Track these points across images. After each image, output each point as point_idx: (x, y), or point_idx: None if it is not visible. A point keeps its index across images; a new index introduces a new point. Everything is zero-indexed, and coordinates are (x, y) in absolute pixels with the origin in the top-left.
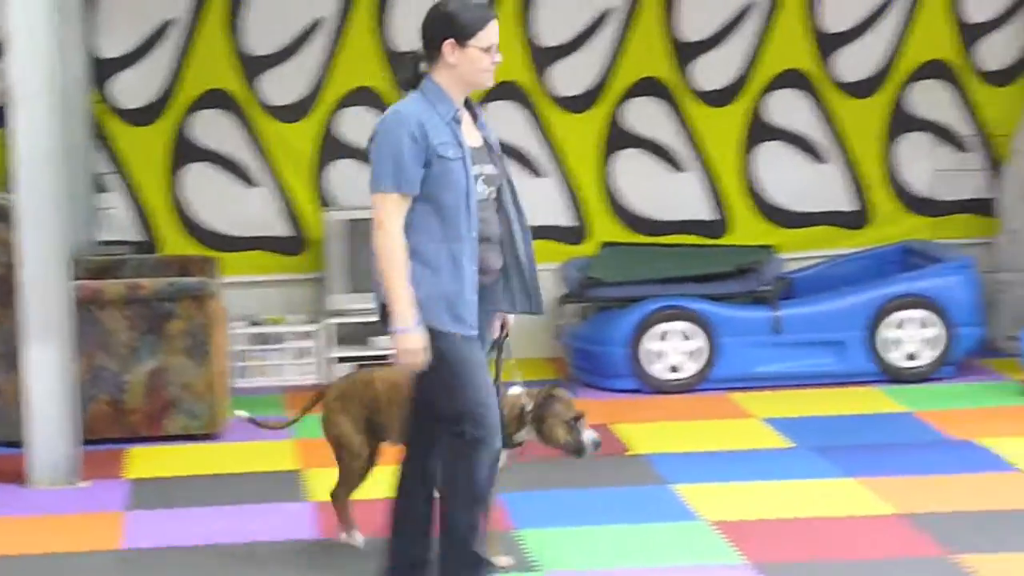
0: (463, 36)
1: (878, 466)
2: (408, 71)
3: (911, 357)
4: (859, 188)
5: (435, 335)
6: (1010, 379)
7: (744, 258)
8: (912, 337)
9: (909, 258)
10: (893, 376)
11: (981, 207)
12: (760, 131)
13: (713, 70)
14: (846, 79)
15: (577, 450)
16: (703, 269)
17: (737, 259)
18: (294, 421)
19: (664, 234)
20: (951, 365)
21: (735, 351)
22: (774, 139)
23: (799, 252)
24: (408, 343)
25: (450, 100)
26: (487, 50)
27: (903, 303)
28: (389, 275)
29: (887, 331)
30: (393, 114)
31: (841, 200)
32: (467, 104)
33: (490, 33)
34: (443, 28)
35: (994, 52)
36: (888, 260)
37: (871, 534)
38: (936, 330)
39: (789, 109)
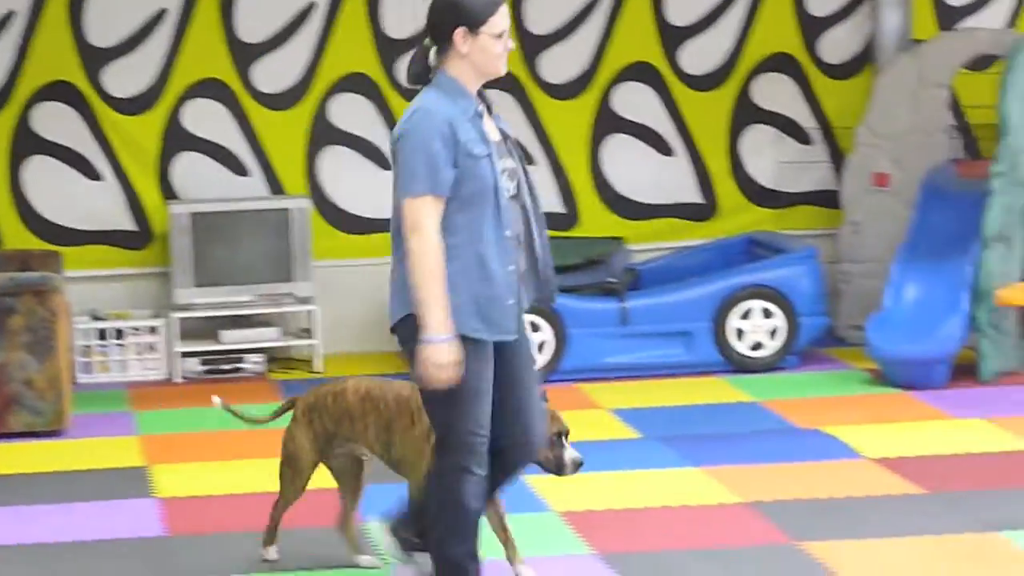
0: (475, 23)
1: (725, 455)
2: (419, 64)
3: (757, 347)
4: (705, 180)
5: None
6: (854, 368)
7: (592, 250)
8: (758, 327)
9: (754, 249)
10: (739, 366)
11: (825, 199)
12: (608, 123)
13: (561, 62)
14: (692, 72)
15: (557, 468)
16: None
17: (586, 251)
18: (269, 420)
19: None
20: (796, 354)
21: (583, 342)
22: (622, 131)
23: (647, 244)
24: (439, 355)
25: (468, 94)
26: (499, 36)
27: (749, 294)
28: (426, 281)
29: (733, 321)
30: (420, 113)
31: (688, 192)
32: (480, 96)
33: (502, 18)
34: (453, 16)
35: (836, 46)
36: (734, 251)
37: (718, 523)
38: (781, 320)
39: (636, 102)
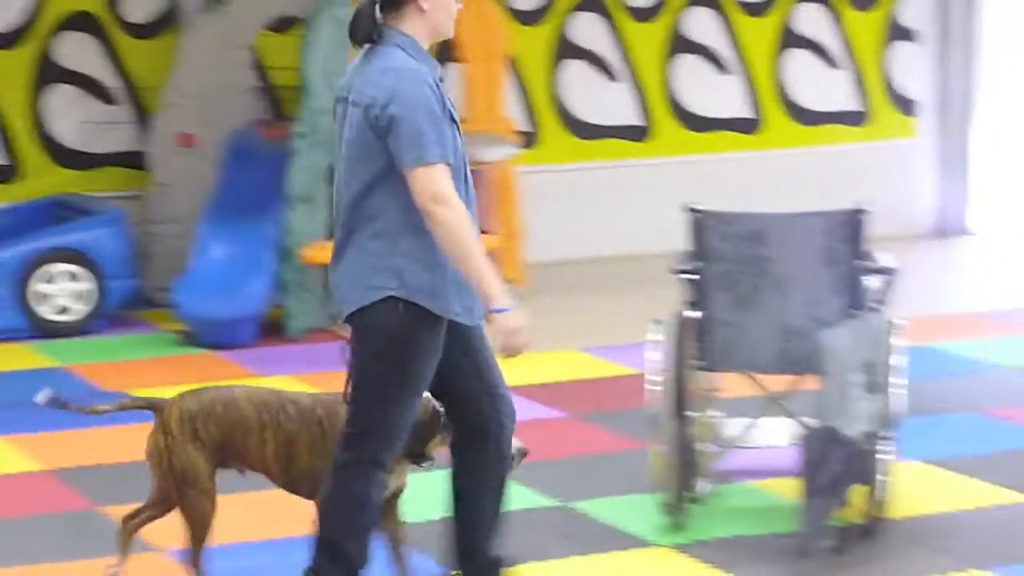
0: None
1: (28, 423)
2: (368, 22)
3: (63, 311)
4: (5, 140)
5: (427, 320)
6: (163, 330)
7: None
8: (63, 291)
9: (60, 212)
10: (45, 331)
11: (131, 159)
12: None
13: None
14: None
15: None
16: None
17: None
18: (107, 411)
19: None
20: (104, 318)
21: None
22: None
23: None
24: (514, 322)
25: (429, 56)
26: None
27: (53, 257)
28: (470, 254)
29: (38, 286)
30: (407, 72)
31: None
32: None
33: None
34: None
35: (139, 5)
36: (39, 214)
37: (20, 491)
38: (88, 283)
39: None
